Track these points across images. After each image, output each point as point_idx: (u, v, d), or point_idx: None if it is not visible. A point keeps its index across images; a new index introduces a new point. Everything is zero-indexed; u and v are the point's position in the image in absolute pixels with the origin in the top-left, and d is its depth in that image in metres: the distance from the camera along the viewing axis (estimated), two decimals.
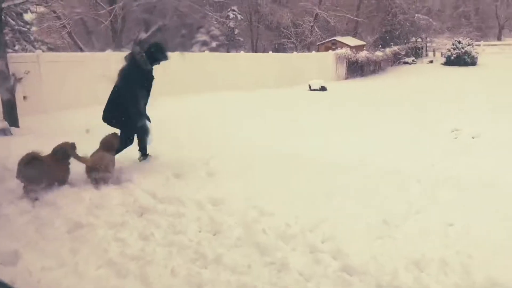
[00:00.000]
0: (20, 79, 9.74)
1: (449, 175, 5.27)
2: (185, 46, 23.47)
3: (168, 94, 11.99)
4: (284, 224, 3.65)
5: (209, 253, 3.29)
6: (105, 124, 5.30)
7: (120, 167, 5.03)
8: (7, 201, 4.07)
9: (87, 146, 4.84)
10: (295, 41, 31.00)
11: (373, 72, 26.25)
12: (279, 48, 31.11)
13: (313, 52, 26.52)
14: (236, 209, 3.98)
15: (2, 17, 9.67)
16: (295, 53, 24.73)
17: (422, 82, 20.85)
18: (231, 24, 27.05)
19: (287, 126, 9.64)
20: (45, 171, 4.25)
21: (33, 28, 18.89)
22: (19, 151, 4.36)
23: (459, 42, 27.78)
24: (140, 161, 5.56)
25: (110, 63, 12.64)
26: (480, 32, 41.68)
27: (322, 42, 28.72)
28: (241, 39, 28.74)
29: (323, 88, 18.61)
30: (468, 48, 27.38)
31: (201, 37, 26.30)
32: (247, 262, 3.19)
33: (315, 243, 3.40)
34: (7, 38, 14.39)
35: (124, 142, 5.26)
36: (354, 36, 31.16)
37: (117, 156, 5.01)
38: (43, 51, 14.43)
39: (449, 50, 28.11)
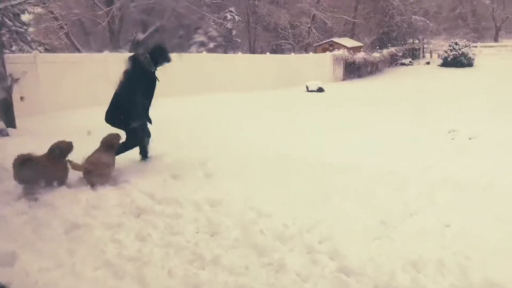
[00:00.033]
0: (17, 79, 9.72)
1: (447, 176, 5.29)
2: (182, 47, 23.51)
3: (166, 95, 11.97)
4: (282, 225, 3.65)
5: (206, 254, 3.28)
6: (107, 125, 5.29)
7: (118, 168, 5.02)
8: (4, 202, 4.06)
9: (87, 147, 4.84)
10: (292, 42, 31.04)
11: (370, 73, 26.31)
12: (276, 49, 31.14)
13: (311, 53, 26.55)
14: (234, 210, 3.98)
15: None
16: (292, 54, 24.75)
17: (419, 83, 20.90)
18: (229, 25, 27.06)
19: (285, 127, 9.65)
20: (40, 171, 4.23)
21: (30, 29, 18.84)
22: (15, 152, 4.34)
23: (456, 44, 27.88)
24: (140, 161, 5.56)
25: (108, 64, 12.71)
26: (477, 33, 41.91)
27: (319, 43, 28.77)
28: (239, 40, 28.77)
29: (320, 89, 18.64)
30: (465, 50, 27.49)
31: (199, 38, 26.33)
32: (244, 263, 3.18)
33: (312, 243, 3.40)
34: (4, 38, 14.37)
35: (133, 142, 5.29)
36: (352, 37, 31.22)
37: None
38: (40, 52, 14.42)
39: (446, 52, 28.21)
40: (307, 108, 13.33)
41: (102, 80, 12.37)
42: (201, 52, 20.46)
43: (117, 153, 5.13)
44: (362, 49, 27.92)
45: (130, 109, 5.12)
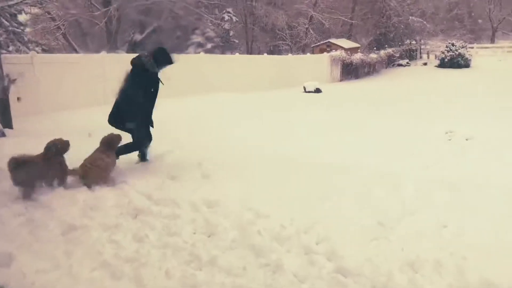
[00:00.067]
0: (14, 80, 9.70)
1: (444, 176, 5.30)
2: (180, 47, 23.50)
3: (164, 96, 11.96)
4: (279, 225, 3.65)
5: (204, 255, 3.28)
6: (106, 125, 5.29)
7: (116, 168, 5.00)
8: (1, 203, 4.04)
9: (87, 147, 4.83)
10: (290, 43, 31.08)
11: (368, 74, 26.39)
12: (274, 50, 31.18)
13: (308, 54, 26.59)
14: (232, 211, 3.97)
15: None
16: (290, 55, 24.78)
17: (416, 84, 20.97)
18: (226, 26, 27.09)
19: (282, 127, 9.65)
20: (36, 171, 4.19)
21: (27, 29, 18.78)
22: (12, 153, 4.32)
23: (453, 45, 28.01)
24: (137, 162, 5.55)
25: (105, 65, 12.71)
26: (474, 34, 42.09)
27: (317, 44, 28.81)
28: (236, 41, 28.79)
29: (318, 90, 18.66)
30: (461, 51, 27.62)
31: (196, 38, 26.34)
32: (242, 264, 3.19)
33: (309, 244, 3.40)
34: (1, 39, 14.36)
35: (138, 143, 5.33)
36: (349, 38, 31.29)
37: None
38: (37, 53, 14.38)
39: (443, 53, 28.34)
40: (304, 108, 13.34)
41: (99, 81, 12.42)
42: (199, 52, 20.45)
43: (120, 154, 5.15)
44: (359, 50, 27.99)
45: (134, 112, 5.12)
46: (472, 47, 31.26)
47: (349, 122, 10.36)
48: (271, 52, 29.55)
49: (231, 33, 27.84)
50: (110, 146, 4.84)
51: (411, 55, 32.21)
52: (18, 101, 10.31)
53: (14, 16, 16.49)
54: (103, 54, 13.83)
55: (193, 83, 15.58)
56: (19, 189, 4.17)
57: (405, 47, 31.91)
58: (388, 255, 3.24)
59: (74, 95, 11.89)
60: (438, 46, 32.17)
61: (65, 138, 4.59)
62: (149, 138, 5.49)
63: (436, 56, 30.63)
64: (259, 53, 28.17)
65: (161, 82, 5.39)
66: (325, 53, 25.29)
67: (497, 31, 44.19)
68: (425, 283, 2.93)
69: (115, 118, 5.26)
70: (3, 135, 8.24)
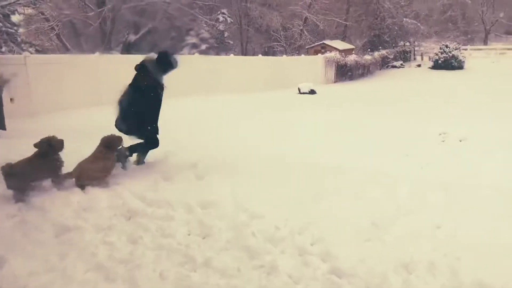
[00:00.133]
0: (7, 81, 9.61)
1: (437, 177, 5.33)
2: (174, 48, 23.45)
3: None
4: (274, 227, 3.65)
5: (198, 256, 3.28)
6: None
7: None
8: None
9: (86, 147, 4.80)
10: (284, 45, 31.13)
11: (362, 75, 26.46)
12: (268, 51, 31.22)
13: (303, 55, 26.62)
14: (226, 212, 3.97)
15: None
16: (284, 56, 24.80)
17: (410, 85, 21.07)
18: (221, 27, 27.10)
19: (277, 129, 9.66)
20: (29, 173, 4.16)
21: (21, 30, 18.69)
22: (5, 154, 4.29)
23: (447, 46, 28.18)
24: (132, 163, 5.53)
25: (99, 65, 12.66)
26: (467, 36, 42.31)
27: (311, 45, 28.87)
28: (231, 42, 28.81)
29: (312, 91, 18.69)
30: (455, 52, 27.79)
31: (191, 39, 26.31)
32: (236, 265, 3.18)
33: (304, 245, 3.40)
34: None
35: (151, 144, 5.36)
36: (343, 39, 31.38)
37: None
38: (30, 53, 14.31)
39: (437, 54, 28.51)
40: (299, 110, 13.35)
41: (93, 82, 12.38)
42: (193, 54, 20.42)
43: (134, 152, 5.28)
44: (353, 52, 28.07)
45: (142, 119, 5.15)
46: (465, 49, 31.46)
47: (343, 123, 10.38)
48: (265, 53, 29.59)
49: (226, 34, 27.86)
50: (109, 147, 4.80)
51: (405, 57, 32.34)
52: (12, 102, 10.23)
53: (7, 16, 16.43)
54: (97, 54, 13.78)
55: (187, 85, 15.51)
56: (12, 191, 4.14)
57: (399, 48, 32.03)
58: (382, 256, 3.24)
59: (68, 96, 11.83)
60: (432, 48, 32.36)
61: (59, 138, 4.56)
62: (156, 143, 5.48)
63: (430, 58, 30.79)
64: (253, 54, 28.16)
65: (165, 86, 5.38)
66: (319, 54, 25.34)
67: (490, 33, 44.56)
68: (419, 284, 2.94)
69: (121, 124, 5.23)
70: None
